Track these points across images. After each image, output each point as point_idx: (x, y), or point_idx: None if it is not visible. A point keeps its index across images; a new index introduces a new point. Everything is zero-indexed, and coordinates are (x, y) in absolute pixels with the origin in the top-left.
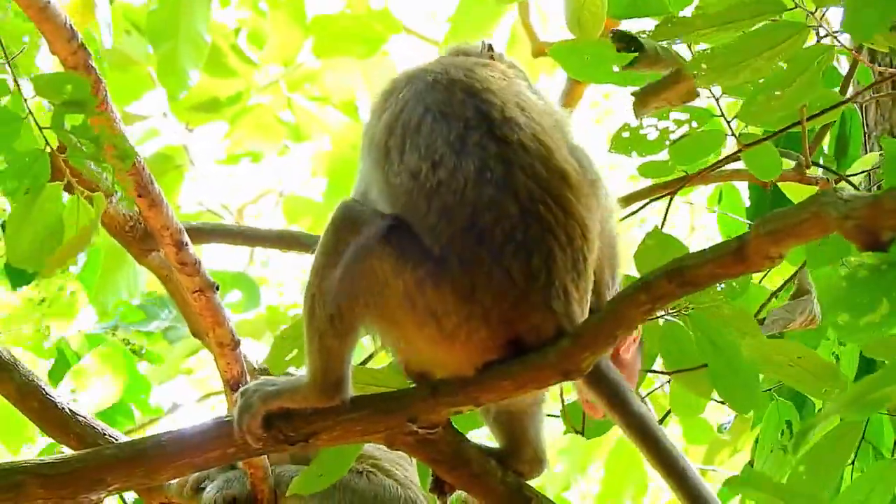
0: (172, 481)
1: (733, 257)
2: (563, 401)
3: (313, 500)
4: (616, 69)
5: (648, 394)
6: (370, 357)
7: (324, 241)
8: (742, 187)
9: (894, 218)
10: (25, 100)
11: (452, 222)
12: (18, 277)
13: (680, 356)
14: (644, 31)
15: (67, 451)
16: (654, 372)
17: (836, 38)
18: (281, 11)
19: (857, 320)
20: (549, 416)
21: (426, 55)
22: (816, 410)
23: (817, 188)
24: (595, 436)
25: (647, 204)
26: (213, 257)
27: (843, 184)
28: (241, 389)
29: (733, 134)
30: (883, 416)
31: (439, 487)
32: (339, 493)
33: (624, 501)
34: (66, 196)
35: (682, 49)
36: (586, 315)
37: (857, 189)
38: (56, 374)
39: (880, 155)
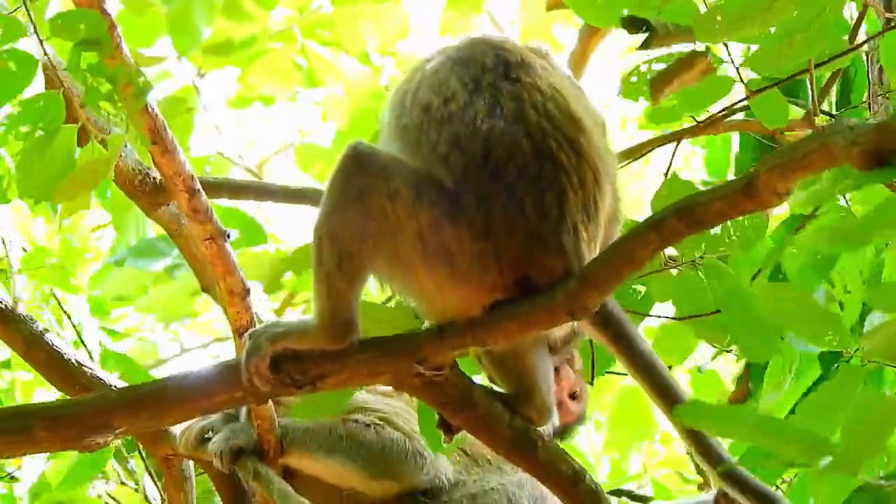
0: (176, 429)
1: (743, 194)
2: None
3: (320, 451)
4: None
5: None
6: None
7: (333, 181)
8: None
9: None
10: (41, 41)
11: (464, 153)
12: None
13: (693, 306)
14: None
15: None
16: (670, 318)
17: None
18: None
19: None
20: None
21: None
22: None
23: None
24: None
25: (652, 149)
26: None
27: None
28: (250, 332)
29: (741, 81)
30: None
31: (445, 425)
32: (347, 444)
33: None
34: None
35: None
36: None
37: None
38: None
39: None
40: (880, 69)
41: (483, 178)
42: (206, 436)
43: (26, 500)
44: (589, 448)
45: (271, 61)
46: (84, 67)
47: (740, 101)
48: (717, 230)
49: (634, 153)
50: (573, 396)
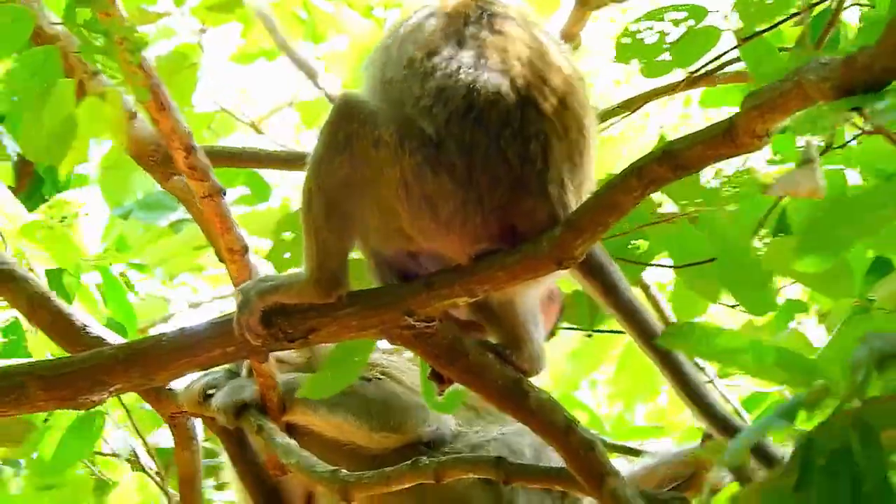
0: (176, 383)
1: (723, 137)
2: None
3: (322, 406)
4: None
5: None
6: None
7: (322, 131)
8: None
9: (866, 73)
10: None
11: (447, 104)
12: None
13: (689, 257)
14: None
15: None
16: (663, 266)
17: None
18: None
19: None
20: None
21: None
22: None
23: None
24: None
25: (645, 102)
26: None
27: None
28: (240, 287)
29: (731, 29)
30: None
31: (437, 376)
32: (348, 399)
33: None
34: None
35: None
36: None
37: None
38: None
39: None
40: None
41: (466, 127)
42: (209, 392)
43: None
44: (594, 402)
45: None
46: (80, 23)
47: (730, 51)
48: (716, 184)
49: (629, 105)
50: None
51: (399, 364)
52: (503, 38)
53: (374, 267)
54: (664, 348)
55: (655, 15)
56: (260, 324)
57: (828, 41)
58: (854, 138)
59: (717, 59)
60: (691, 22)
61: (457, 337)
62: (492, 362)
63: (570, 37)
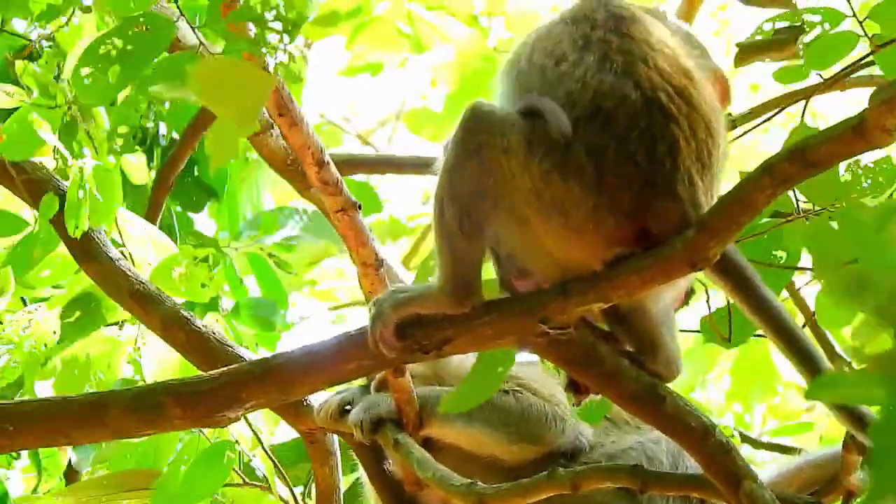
0: (313, 400)
1: (853, 133)
2: (709, 307)
3: (459, 419)
4: None
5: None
6: None
7: (453, 140)
8: None
9: None
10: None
11: (575, 109)
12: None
13: (828, 256)
14: None
15: None
16: (800, 269)
17: None
18: None
19: None
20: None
21: None
22: None
23: None
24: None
25: (781, 109)
26: None
27: None
28: (374, 300)
29: (866, 35)
30: None
31: (574, 385)
32: (486, 411)
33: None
34: None
35: None
36: None
37: None
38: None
39: None
40: None
41: (594, 130)
42: (346, 408)
43: None
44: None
45: (377, 29)
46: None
47: (866, 57)
48: (848, 178)
49: (760, 112)
50: None
51: (534, 375)
52: (630, 41)
53: (503, 276)
54: (799, 347)
55: (792, 17)
56: (394, 336)
57: None
58: None
59: (851, 66)
60: (826, 25)
61: (591, 343)
62: (627, 368)
63: None
